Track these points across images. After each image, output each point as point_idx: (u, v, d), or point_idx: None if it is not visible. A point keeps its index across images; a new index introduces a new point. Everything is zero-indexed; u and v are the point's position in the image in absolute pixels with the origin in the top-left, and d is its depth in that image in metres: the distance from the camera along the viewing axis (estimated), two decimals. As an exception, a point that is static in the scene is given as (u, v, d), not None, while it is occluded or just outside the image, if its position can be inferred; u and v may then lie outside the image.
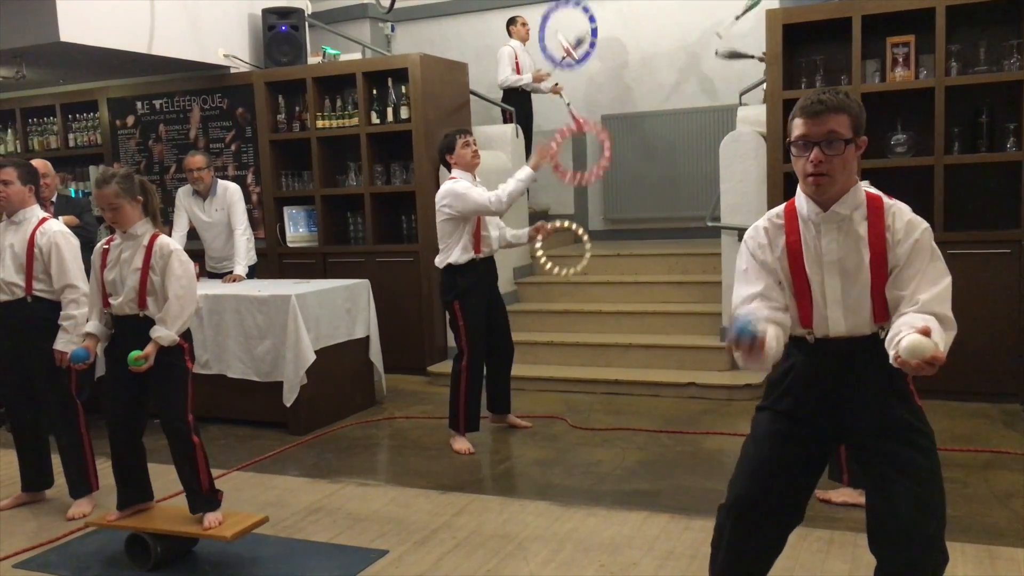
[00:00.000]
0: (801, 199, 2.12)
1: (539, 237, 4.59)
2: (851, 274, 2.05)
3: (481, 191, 4.35)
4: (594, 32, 4.39)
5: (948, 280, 2.01)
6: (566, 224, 4.67)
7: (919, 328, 1.81)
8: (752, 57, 6.54)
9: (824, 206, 2.06)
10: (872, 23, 4.94)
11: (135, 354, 3.14)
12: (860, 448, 2.13)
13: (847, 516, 3.35)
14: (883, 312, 2.04)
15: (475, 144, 4.48)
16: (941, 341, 1.84)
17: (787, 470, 2.14)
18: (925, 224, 2.06)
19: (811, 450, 2.16)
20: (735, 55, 6.56)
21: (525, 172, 4.33)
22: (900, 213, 2.06)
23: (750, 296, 2.12)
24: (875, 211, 2.06)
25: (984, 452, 4.06)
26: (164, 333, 3.20)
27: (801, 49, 5.29)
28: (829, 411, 2.11)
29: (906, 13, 4.87)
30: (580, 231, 4.68)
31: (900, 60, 4.95)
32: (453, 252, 4.41)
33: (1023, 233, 4.72)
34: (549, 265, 4.52)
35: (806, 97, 2.07)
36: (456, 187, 4.35)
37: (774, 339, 2.00)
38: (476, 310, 4.45)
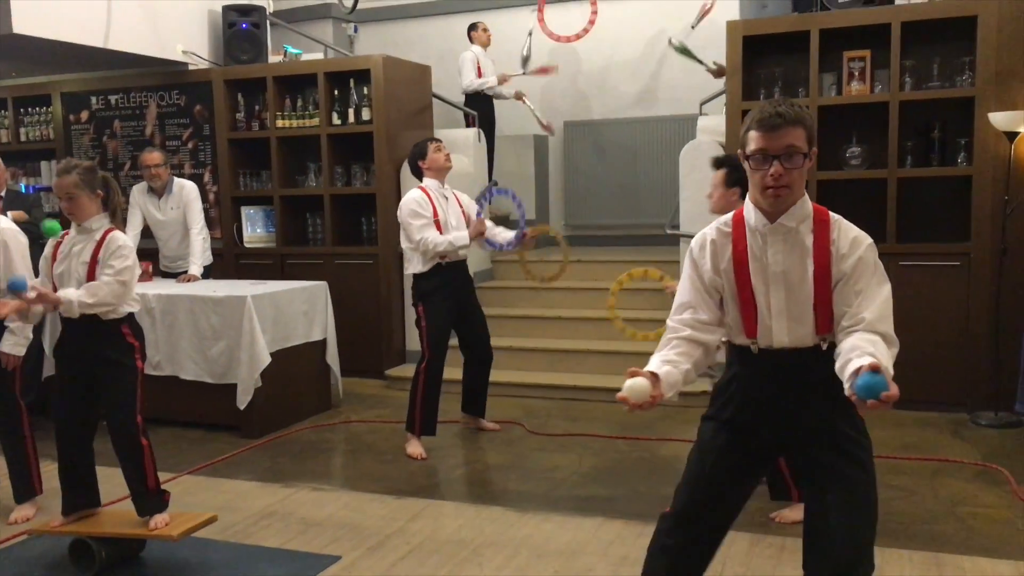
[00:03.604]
0: (749, 208, 2.12)
1: (527, 247, 4.59)
2: (795, 286, 2.06)
3: (422, 225, 4.34)
4: (522, 218, 4.48)
5: (888, 293, 2.03)
6: (547, 230, 4.79)
7: (869, 364, 1.81)
8: (702, 63, 6.65)
9: (772, 217, 2.07)
10: (830, 37, 5.02)
11: (56, 228, 3.01)
12: (799, 458, 2.16)
13: (799, 523, 3.38)
14: (826, 324, 2.06)
15: (446, 149, 4.58)
16: (888, 361, 1.88)
17: (728, 482, 2.17)
18: (869, 240, 2.08)
19: (752, 460, 2.18)
20: (686, 52, 6.70)
21: (462, 239, 4.35)
22: (846, 228, 2.07)
23: (682, 305, 2.19)
24: (821, 224, 2.07)
25: (932, 461, 4.13)
26: (73, 296, 3.07)
27: (760, 61, 5.36)
28: (770, 420, 2.12)
29: (863, 28, 4.97)
30: (558, 236, 4.81)
31: (856, 74, 5.04)
32: (416, 262, 4.45)
33: (973, 246, 4.82)
34: (624, 330, 4.52)
35: (761, 109, 2.05)
36: (407, 211, 4.38)
37: (677, 375, 2.08)
38: (438, 313, 4.45)
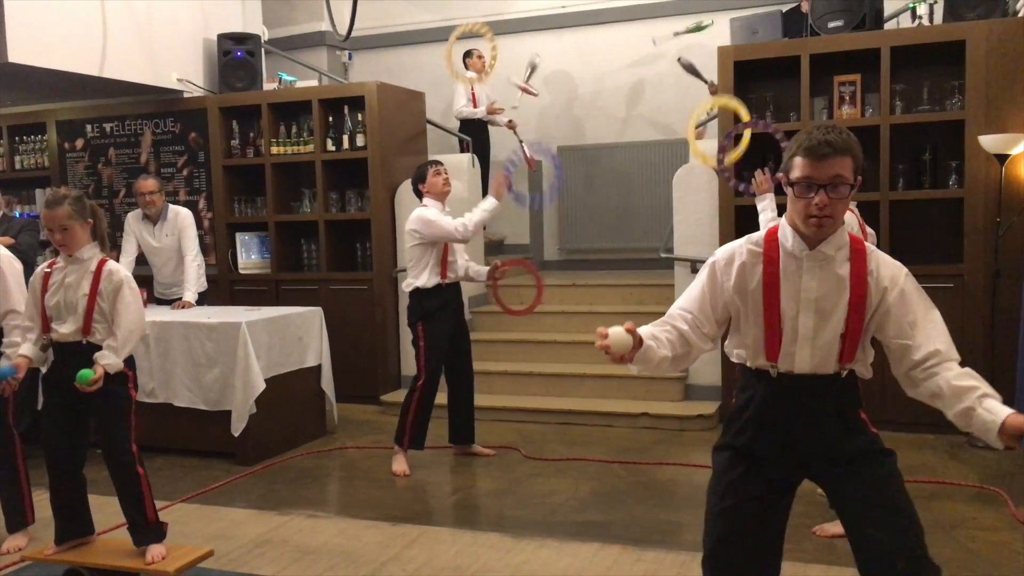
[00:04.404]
0: (786, 231, 2.07)
1: (498, 278, 4.64)
2: (826, 314, 2.03)
3: (448, 219, 4.44)
4: (558, 176, 4.84)
5: (939, 316, 2.03)
6: (520, 259, 4.72)
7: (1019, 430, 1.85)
8: (706, 81, 6.66)
9: (811, 244, 2.03)
10: (820, 62, 5.07)
11: (88, 375, 3.04)
12: (825, 477, 2.12)
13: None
14: (850, 354, 2.04)
15: (446, 173, 4.63)
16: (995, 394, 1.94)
17: (751, 514, 2.10)
18: (905, 269, 2.06)
19: (773, 488, 2.12)
20: (692, 70, 6.68)
21: (490, 202, 4.49)
22: (883, 260, 2.05)
23: (687, 309, 2.17)
24: (858, 254, 2.04)
25: (930, 483, 4.12)
26: (112, 360, 3.12)
27: (752, 85, 5.40)
28: (787, 445, 2.09)
29: (853, 53, 5.01)
30: (532, 269, 4.80)
31: (847, 98, 5.08)
32: (420, 277, 4.49)
33: (965, 268, 4.85)
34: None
35: (809, 135, 1.99)
36: (425, 214, 4.46)
37: (655, 355, 2.08)
38: (438, 333, 4.51)
